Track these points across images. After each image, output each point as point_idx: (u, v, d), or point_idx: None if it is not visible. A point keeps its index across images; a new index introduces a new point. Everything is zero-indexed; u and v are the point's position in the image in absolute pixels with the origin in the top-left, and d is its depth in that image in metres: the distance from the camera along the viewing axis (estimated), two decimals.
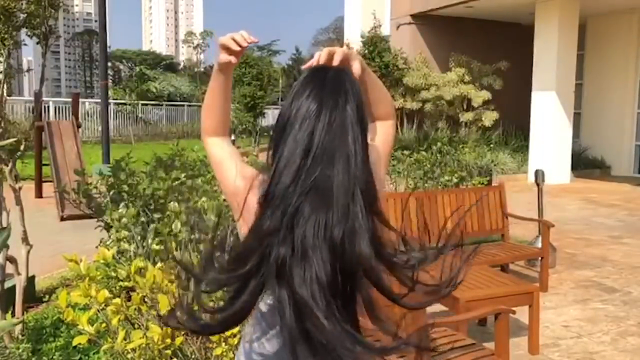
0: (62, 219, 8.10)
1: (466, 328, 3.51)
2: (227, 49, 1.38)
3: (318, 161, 1.13)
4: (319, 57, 1.30)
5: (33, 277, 4.56)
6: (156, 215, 3.96)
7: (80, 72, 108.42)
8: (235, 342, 2.50)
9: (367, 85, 1.40)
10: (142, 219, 3.92)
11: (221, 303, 1.20)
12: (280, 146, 1.17)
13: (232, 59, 1.39)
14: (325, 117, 1.16)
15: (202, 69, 59.68)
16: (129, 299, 2.65)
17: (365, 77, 1.37)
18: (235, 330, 2.54)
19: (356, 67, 1.33)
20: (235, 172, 1.38)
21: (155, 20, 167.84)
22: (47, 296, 4.47)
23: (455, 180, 6.96)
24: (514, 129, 15.11)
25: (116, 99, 26.45)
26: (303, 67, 1.30)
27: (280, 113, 1.23)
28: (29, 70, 5.26)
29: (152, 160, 5.56)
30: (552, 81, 12.56)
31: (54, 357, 3.34)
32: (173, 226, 3.44)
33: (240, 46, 1.37)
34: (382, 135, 1.51)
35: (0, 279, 3.44)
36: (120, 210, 3.85)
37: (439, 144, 9.81)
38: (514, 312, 3.16)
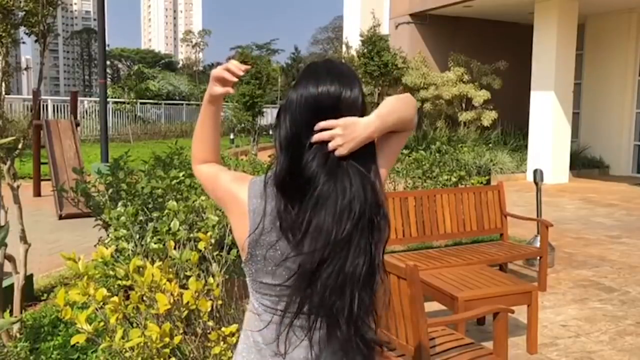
0: (61, 217, 8.09)
1: (464, 327, 3.52)
2: (221, 81, 1.39)
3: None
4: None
5: (31, 275, 4.55)
6: (155, 214, 3.95)
7: (79, 71, 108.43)
8: (234, 340, 2.50)
9: (398, 130, 1.39)
10: (141, 217, 3.91)
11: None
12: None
13: (229, 89, 1.41)
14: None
15: (201, 68, 59.63)
16: (127, 297, 2.65)
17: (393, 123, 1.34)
18: (234, 329, 2.54)
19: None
20: (229, 177, 1.43)
21: (154, 19, 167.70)
22: (45, 295, 4.46)
23: (454, 179, 6.97)
24: (513, 129, 15.12)
25: (115, 98, 26.44)
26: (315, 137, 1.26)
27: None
28: (27, 68, 5.24)
29: (151, 158, 5.56)
30: (551, 81, 12.56)
31: (52, 355, 3.34)
32: (172, 225, 3.43)
33: (236, 76, 1.38)
34: (402, 138, 1.51)
35: None
36: (118, 209, 3.84)
37: (438, 143, 9.81)
38: (512, 312, 3.16)
